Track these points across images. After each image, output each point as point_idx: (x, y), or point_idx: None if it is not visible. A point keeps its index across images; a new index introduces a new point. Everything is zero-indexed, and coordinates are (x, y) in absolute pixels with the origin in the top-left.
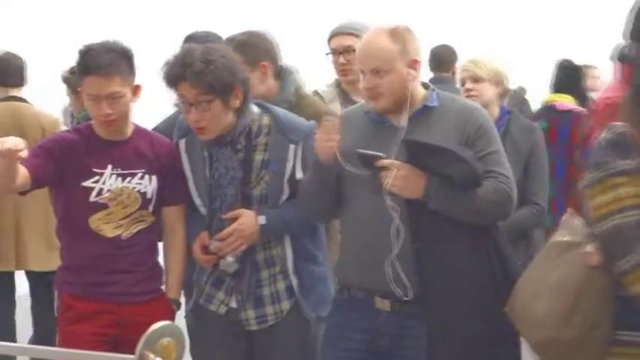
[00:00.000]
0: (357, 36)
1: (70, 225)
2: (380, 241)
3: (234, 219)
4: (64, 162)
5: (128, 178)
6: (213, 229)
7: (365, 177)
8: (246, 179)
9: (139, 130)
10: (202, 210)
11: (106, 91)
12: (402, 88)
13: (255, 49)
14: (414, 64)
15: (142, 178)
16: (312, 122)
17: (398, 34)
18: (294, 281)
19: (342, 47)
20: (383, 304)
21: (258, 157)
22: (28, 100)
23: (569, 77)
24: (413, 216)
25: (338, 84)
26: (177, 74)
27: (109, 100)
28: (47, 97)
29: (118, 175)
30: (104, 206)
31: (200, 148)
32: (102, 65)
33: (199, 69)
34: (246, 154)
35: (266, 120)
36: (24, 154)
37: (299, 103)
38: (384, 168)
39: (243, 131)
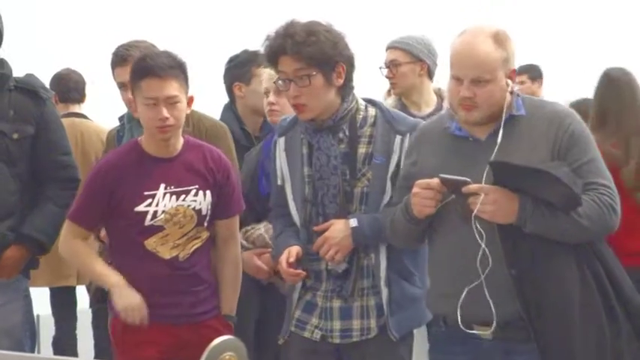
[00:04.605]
0: (400, 49)
1: (124, 249)
2: (470, 270)
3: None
4: (113, 192)
5: (182, 196)
6: (315, 224)
7: (451, 203)
8: (350, 174)
9: (189, 143)
10: (295, 216)
11: (165, 93)
12: (500, 100)
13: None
14: (512, 74)
15: (196, 194)
16: (418, 119)
17: (501, 39)
18: (384, 294)
19: (388, 61)
20: (483, 332)
21: (362, 150)
22: (88, 116)
23: None
24: (506, 241)
25: (399, 96)
26: (278, 46)
27: (167, 105)
28: (109, 113)
29: (172, 193)
30: (160, 229)
31: (300, 145)
32: (161, 66)
33: (301, 39)
34: (349, 147)
35: (372, 111)
36: None
37: None
38: (471, 194)
39: (345, 116)
